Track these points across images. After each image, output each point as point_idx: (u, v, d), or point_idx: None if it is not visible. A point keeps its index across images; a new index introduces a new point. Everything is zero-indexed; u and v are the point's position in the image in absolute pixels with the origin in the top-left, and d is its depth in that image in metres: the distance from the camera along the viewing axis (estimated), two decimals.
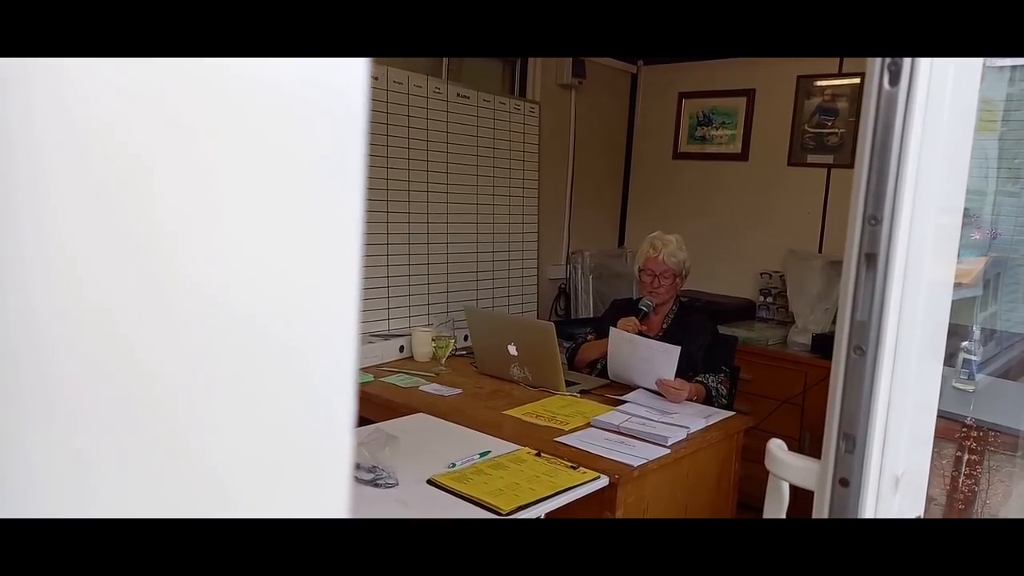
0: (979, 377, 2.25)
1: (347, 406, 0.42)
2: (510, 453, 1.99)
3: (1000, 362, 2.36)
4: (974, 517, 2.17)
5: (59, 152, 0.32)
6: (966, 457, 2.18)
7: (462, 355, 3.05)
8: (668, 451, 2.10)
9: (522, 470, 1.88)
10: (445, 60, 3.46)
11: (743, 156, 4.01)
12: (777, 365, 3.41)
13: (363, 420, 2.24)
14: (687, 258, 2.75)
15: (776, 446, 0.90)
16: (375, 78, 2.89)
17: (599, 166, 4.33)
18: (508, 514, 1.64)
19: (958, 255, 0.76)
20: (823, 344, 3.33)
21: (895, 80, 0.57)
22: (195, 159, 0.34)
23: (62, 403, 0.33)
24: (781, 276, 3.77)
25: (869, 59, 0.58)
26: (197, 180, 0.35)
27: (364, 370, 2.75)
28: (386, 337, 3.00)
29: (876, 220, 0.60)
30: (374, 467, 1.77)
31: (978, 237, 2.33)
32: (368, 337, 2.92)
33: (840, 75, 3.64)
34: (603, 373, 2.77)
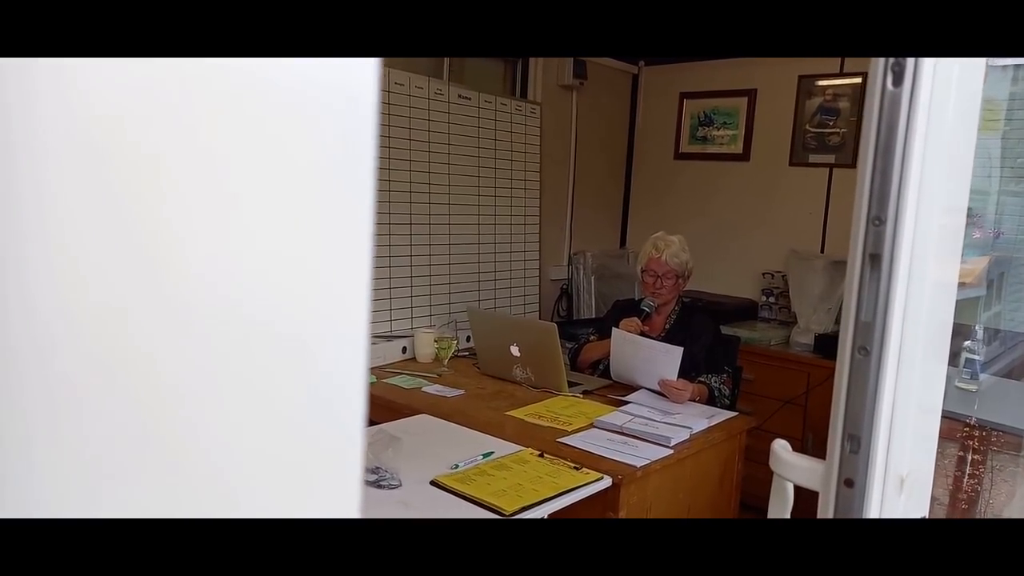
0: (983, 377, 2.24)
1: (358, 406, 0.42)
2: (513, 454, 1.99)
3: (1004, 362, 2.36)
4: (977, 517, 2.17)
5: (64, 151, 0.32)
6: (969, 457, 2.18)
7: (464, 356, 3.05)
8: (671, 451, 2.10)
9: (525, 471, 1.88)
10: (446, 61, 3.46)
11: (744, 156, 4.01)
12: (779, 365, 3.40)
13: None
14: (690, 259, 2.75)
15: (780, 447, 0.90)
16: None
17: (600, 166, 4.33)
18: (511, 515, 1.64)
19: (961, 255, 0.76)
20: (825, 344, 3.33)
21: (899, 80, 0.57)
22: (203, 158, 0.34)
23: (67, 404, 0.33)
24: (783, 276, 3.76)
25: (872, 59, 0.58)
26: (205, 179, 0.35)
27: None
28: (389, 338, 3.00)
29: (880, 220, 0.60)
30: (377, 468, 1.76)
31: (980, 236, 2.32)
32: (371, 338, 2.92)
33: (841, 75, 3.64)
34: (605, 374, 2.77)
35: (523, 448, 2.03)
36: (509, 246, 3.66)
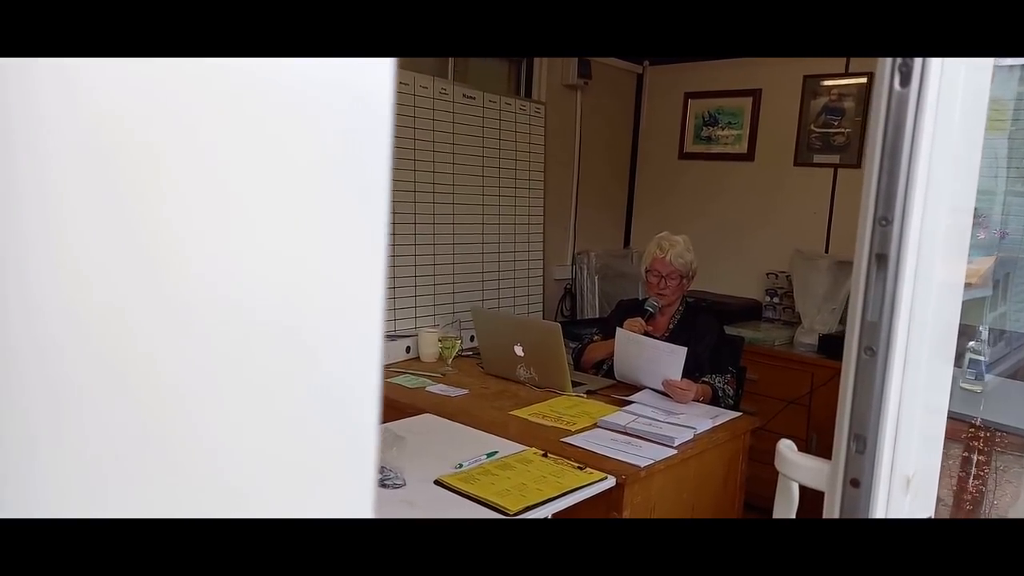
0: (988, 378, 2.24)
1: (372, 406, 0.42)
2: (517, 454, 1.99)
3: (1009, 363, 2.36)
4: (982, 518, 2.17)
5: (68, 152, 0.32)
6: (974, 458, 2.18)
7: (468, 356, 3.05)
8: (675, 452, 2.10)
9: (529, 471, 1.88)
10: (451, 61, 3.46)
11: (749, 156, 4.00)
12: (783, 365, 3.40)
13: None
14: (694, 259, 2.74)
15: (786, 447, 0.90)
16: None
17: (605, 166, 4.32)
18: (515, 514, 1.64)
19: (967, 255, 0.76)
20: (830, 344, 3.32)
21: (906, 81, 0.57)
22: (203, 157, 0.34)
23: (70, 405, 0.33)
24: (787, 276, 3.76)
25: (880, 59, 0.58)
26: (210, 178, 0.35)
27: None
28: (392, 338, 3.00)
29: (887, 221, 0.60)
30: (381, 467, 1.77)
31: (986, 237, 2.32)
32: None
33: (847, 75, 3.63)
34: (609, 374, 2.77)
35: (527, 448, 2.03)
36: (513, 245, 3.66)
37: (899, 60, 0.57)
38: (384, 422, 2.19)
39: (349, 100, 0.38)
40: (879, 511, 0.65)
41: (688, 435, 2.19)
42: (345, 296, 0.41)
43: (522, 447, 2.04)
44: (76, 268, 0.33)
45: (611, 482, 1.88)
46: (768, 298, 3.86)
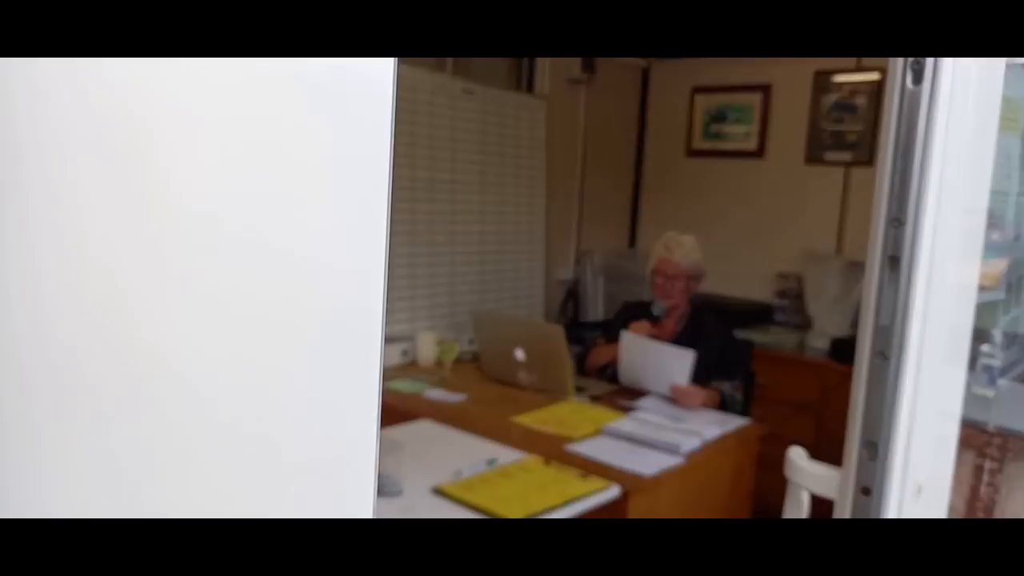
0: (1000, 383, 2.20)
1: (372, 405, 0.49)
2: (518, 461, 1.96)
3: (1022, 367, 2.32)
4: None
5: (84, 152, 0.34)
6: (987, 464, 2.14)
7: (468, 359, 3.01)
8: (682, 459, 2.07)
9: (530, 479, 1.85)
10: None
11: (759, 153, 3.95)
12: (793, 370, 3.35)
13: None
14: (701, 260, 2.71)
15: (796, 454, 0.92)
16: None
17: (609, 163, 4.27)
18: None
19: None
20: (842, 348, 3.27)
21: (918, 79, 0.55)
22: (209, 154, 0.37)
23: (73, 406, 0.35)
24: (798, 277, 3.71)
25: (892, 58, 0.57)
26: (214, 178, 0.37)
27: None
28: (389, 340, 2.97)
29: (900, 222, 0.59)
30: (378, 475, 1.74)
31: (999, 239, 2.27)
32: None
33: (858, 70, 3.57)
34: (614, 378, 2.74)
35: (528, 455, 2.01)
36: (514, 245, 3.62)
37: (911, 59, 0.56)
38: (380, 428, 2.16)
39: (349, 99, 0.40)
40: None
41: (695, 442, 2.16)
42: (345, 296, 0.44)
43: (523, 454, 2.01)
44: (84, 263, 0.35)
45: (615, 491, 1.86)
46: (778, 300, 3.80)
